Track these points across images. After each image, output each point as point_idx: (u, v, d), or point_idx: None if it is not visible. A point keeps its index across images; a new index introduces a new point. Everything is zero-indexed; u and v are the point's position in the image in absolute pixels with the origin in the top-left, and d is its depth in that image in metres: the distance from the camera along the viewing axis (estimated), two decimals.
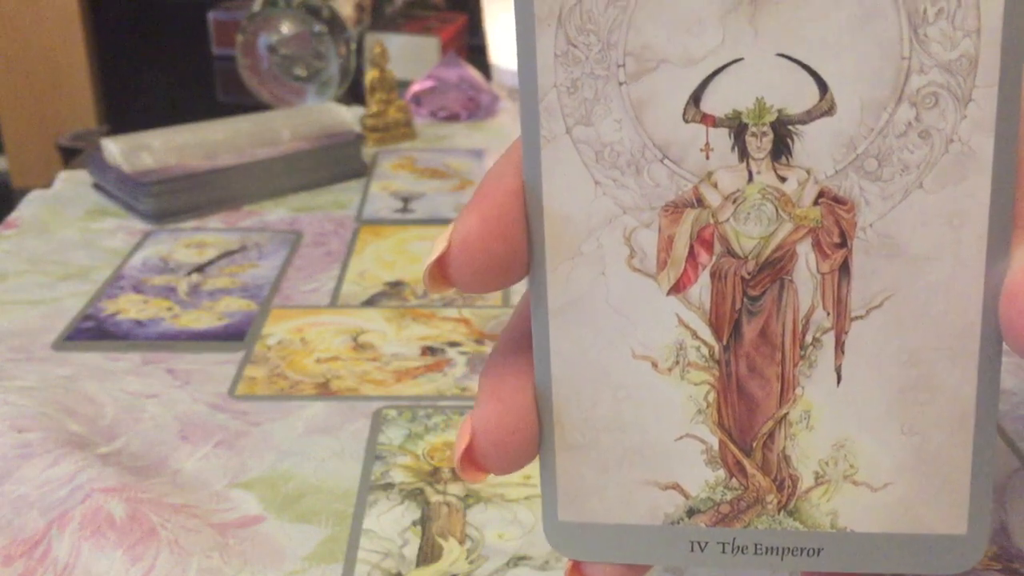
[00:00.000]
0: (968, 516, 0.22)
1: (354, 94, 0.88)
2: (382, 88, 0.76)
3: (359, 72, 0.88)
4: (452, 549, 0.33)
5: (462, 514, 0.35)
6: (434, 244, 0.22)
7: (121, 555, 0.32)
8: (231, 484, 0.36)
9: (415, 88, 0.83)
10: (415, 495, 0.36)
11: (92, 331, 0.47)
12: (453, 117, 0.82)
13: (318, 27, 0.86)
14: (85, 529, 0.33)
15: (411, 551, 0.33)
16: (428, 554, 0.33)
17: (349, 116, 0.71)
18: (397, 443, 0.38)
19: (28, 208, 0.63)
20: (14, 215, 0.62)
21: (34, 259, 0.56)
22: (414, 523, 0.34)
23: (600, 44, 0.20)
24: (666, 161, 0.21)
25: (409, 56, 0.95)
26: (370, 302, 0.51)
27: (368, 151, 0.73)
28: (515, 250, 0.21)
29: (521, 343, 0.23)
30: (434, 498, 0.35)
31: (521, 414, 0.22)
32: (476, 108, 0.83)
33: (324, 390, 0.42)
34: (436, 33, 0.98)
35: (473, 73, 0.84)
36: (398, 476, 0.37)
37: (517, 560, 0.32)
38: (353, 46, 0.88)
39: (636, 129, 0.20)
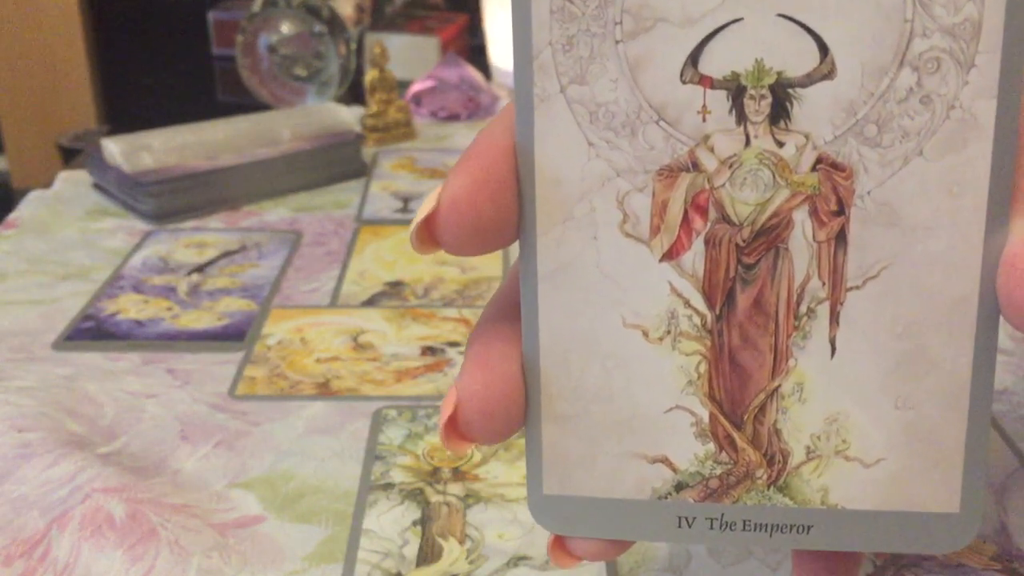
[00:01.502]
0: (961, 495, 0.22)
1: (354, 94, 0.88)
2: (382, 88, 0.76)
3: (359, 72, 0.88)
4: (452, 549, 0.33)
5: (462, 514, 0.35)
6: (422, 204, 0.21)
7: (121, 555, 0.32)
8: (231, 484, 0.36)
9: (415, 88, 0.83)
10: (415, 495, 0.36)
11: (92, 331, 0.47)
12: (453, 117, 0.82)
13: (318, 27, 0.86)
14: (85, 529, 0.33)
15: (411, 551, 0.33)
16: (428, 554, 0.33)
17: (349, 116, 0.71)
18: (397, 443, 0.38)
19: (28, 208, 0.63)
20: (14, 215, 0.62)
21: (34, 259, 0.56)
22: (414, 523, 0.34)
23: (597, 0, 0.20)
24: (662, 123, 0.20)
25: (409, 56, 0.95)
26: (370, 302, 0.50)
27: (368, 151, 0.73)
28: (505, 212, 0.21)
29: (510, 309, 0.22)
30: (434, 498, 0.35)
31: (507, 382, 0.22)
32: (476, 108, 0.83)
33: (324, 390, 0.42)
34: (436, 33, 0.98)
35: (473, 73, 0.84)
36: (398, 476, 0.37)
37: (517, 560, 0.32)
38: (353, 46, 0.88)
39: (632, 89, 0.20)
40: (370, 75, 0.77)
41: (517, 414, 0.22)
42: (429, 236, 0.21)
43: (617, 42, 0.20)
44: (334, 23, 0.86)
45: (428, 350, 0.46)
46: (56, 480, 0.35)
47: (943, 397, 0.21)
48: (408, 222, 0.61)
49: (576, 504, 0.23)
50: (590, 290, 0.21)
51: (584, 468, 0.22)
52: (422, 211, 0.21)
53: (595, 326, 0.21)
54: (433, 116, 0.83)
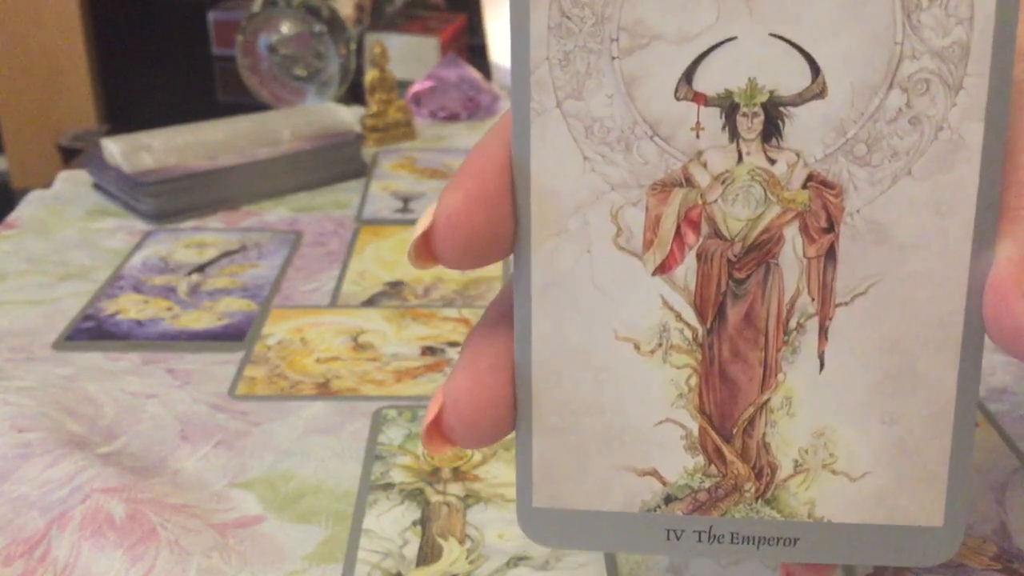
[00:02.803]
0: (944, 509, 0.22)
1: (354, 94, 0.88)
2: (382, 88, 0.76)
3: (359, 72, 0.88)
4: (452, 549, 0.33)
5: (462, 514, 0.35)
6: (419, 219, 0.21)
7: (121, 555, 0.32)
8: (231, 484, 0.36)
9: (415, 88, 0.83)
10: (415, 495, 0.36)
11: (92, 331, 0.47)
12: (453, 117, 0.82)
13: (318, 27, 0.86)
14: (85, 529, 0.33)
15: (411, 551, 0.33)
16: (428, 554, 0.33)
17: (349, 116, 0.71)
18: (397, 443, 0.38)
19: (28, 208, 0.63)
20: (14, 215, 0.62)
21: (34, 259, 0.56)
22: (414, 523, 0.34)
23: (594, 17, 0.20)
24: (656, 139, 0.20)
25: (409, 56, 0.95)
26: (370, 302, 0.51)
27: (368, 151, 0.73)
28: (501, 226, 0.21)
29: (506, 318, 0.22)
30: (434, 498, 0.35)
31: (495, 392, 0.22)
32: (476, 108, 0.83)
33: (324, 390, 0.42)
34: (436, 33, 0.98)
35: (473, 73, 0.84)
36: (398, 476, 0.37)
37: (517, 560, 0.32)
38: (353, 46, 0.88)
39: (627, 105, 0.20)
40: (370, 75, 0.77)
41: (502, 423, 0.22)
42: (427, 251, 0.21)
43: (613, 58, 0.20)
44: (334, 23, 0.86)
45: (428, 350, 0.46)
46: (56, 480, 0.35)
47: (929, 413, 0.21)
48: (408, 222, 0.61)
49: (565, 517, 0.23)
50: (583, 303, 0.21)
51: (574, 481, 0.23)
52: (419, 227, 0.21)
53: (587, 339, 0.22)
54: (433, 116, 0.83)
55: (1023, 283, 0.20)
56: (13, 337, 0.47)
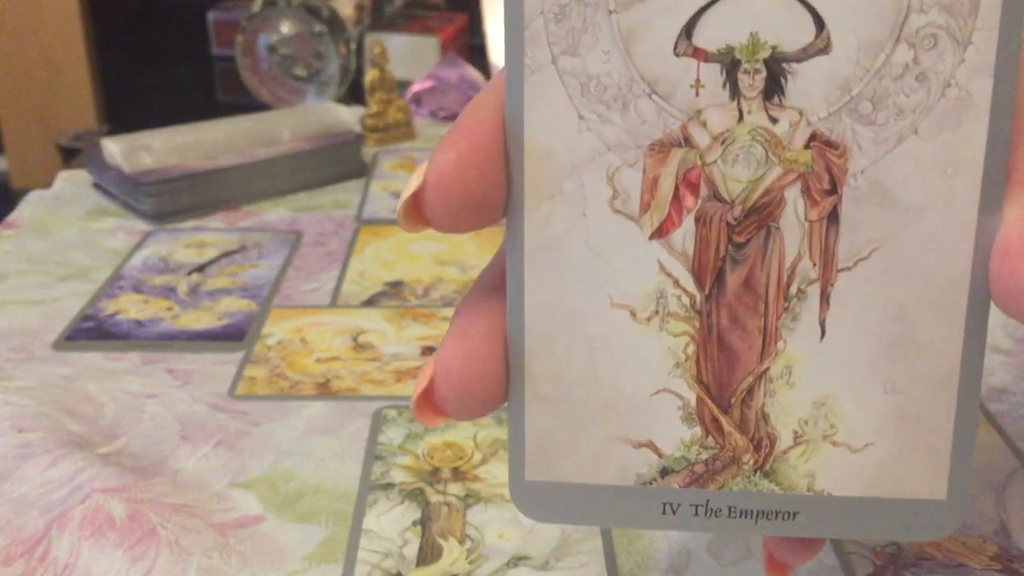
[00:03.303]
0: (948, 482, 0.21)
1: (354, 94, 0.88)
2: (382, 88, 0.76)
3: (359, 72, 0.88)
4: (452, 549, 0.33)
5: (462, 514, 0.35)
6: (410, 179, 0.21)
7: (121, 555, 0.32)
8: (231, 484, 0.36)
9: (415, 88, 0.83)
10: (415, 495, 0.36)
11: (92, 331, 0.47)
12: (453, 117, 0.82)
13: (318, 27, 0.86)
14: (85, 529, 0.33)
15: (411, 551, 0.33)
16: (428, 554, 0.33)
17: (349, 116, 0.71)
18: (397, 443, 0.38)
19: (28, 208, 0.63)
20: (14, 215, 0.62)
21: (34, 259, 0.56)
22: (414, 523, 0.34)
23: None
24: (654, 96, 0.20)
25: (409, 56, 0.95)
26: (370, 302, 0.51)
27: (368, 151, 0.73)
28: (493, 186, 0.20)
29: (498, 285, 0.22)
30: (434, 498, 0.35)
31: (487, 361, 0.21)
32: None
33: (324, 390, 0.42)
34: (436, 33, 0.98)
35: (473, 73, 0.84)
36: (398, 476, 0.37)
37: (517, 560, 0.32)
38: (353, 46, 0.88)
39: (624, 61, 0.20)
40: (370, 75, 0.77)
41: (494, 394, 0.22)
42: (416, 213, 0.21)
43: (610, 12, 0.19)
44: (334, 23, 0.86)
45: (428, 350, 0.46)
46: (56, 480, 0.35)
47: (932, 382, 0.21)
48: None
49: (559, 490, 0.22)
50: (577, 268, 0.21)
51: (567, 453, 0.22)
52: (409, 187, 0.20)
53: (582, 305, 0.21)
54: (433, 116, 0.83)
55: None
56: (13, 337, 0.47)
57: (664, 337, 0.21)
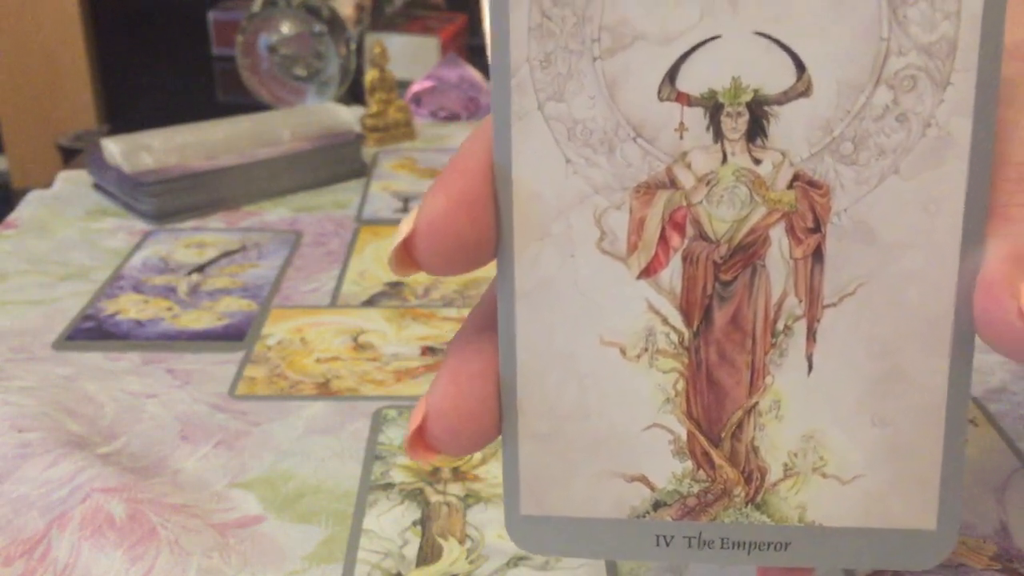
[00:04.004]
0: (938, 511, 0.22)
1: (354, 94, 0.88)
2: (382, 88, 0.76)
3: (359, 72, 0.88)
4: (452, 549, 0.33)
5: (462, 514, 0.35)
6: (400, 225, 0.21)
7: (121, 555, 0.32)
8: (231, 484, 0.36)
9: (415, 88, 0.83)
10: (415, 495, 0.36)
11: (92, 331, 0.47)
12: (453, 117, 0.82)
13: (318, 27, 0.86)
14: (85, 529, 0.33)
15: (411, 551, 0.33)
16: (428, 554, 0.33)
17: (349, 116, 0.71)
18: (397, 443, 0.38)
19: (28, 208, 0.63)
20: (14, 215, 0.62)
21: (34, 259, 0.56)
22: (414, 523, 0.34)
23: (575, 17, 0.20)
24: (639, 140, 0.20)
25: (409, 56, 0.95)
26: (370, 302, 0.51)
27: (368, 151, 0.73)
28: (483, 231, 0.21)
29: (488, 324, 0.22)
30: (434, 498, 0.35)
31: (479, 401, 0.22)
32: (476, 108, 0.83)
33: (324, 390, 0.42)
34: (436, 33, 0.98)
35: (473, 73, 0.84)
36: (398, 476, 0.37)
37: (517, 560, 0.32)
38: (353, 46, 0.88)
39: (610, 106, 0.20)
40: (370, 75, 0.77)
41: (486, 432, 0.22)
42: (408, 258, 0.21)
43: (595, 59, 0.20)
44: (334, 23, 0.86)
45: (428, 350, 0.46)
46: (56, 480, 0.35)
47: (919, 414, 0.21)
48: None
49: (554, 524, 0.23)
50: (567, 308, 0.21)
51: (561, 488, 0.22)
52: (399, 234, 0.21)
53: (572, 344, 0.21)
54: (433, 116, 0.83)
55: (1014, 282, 0.19)
56: (13, 337, 0.47)
57: (654, 374, 0.22)
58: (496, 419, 0.22)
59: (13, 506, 0.34)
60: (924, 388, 0.21)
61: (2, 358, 0.45)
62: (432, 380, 0.22)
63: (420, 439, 0.22)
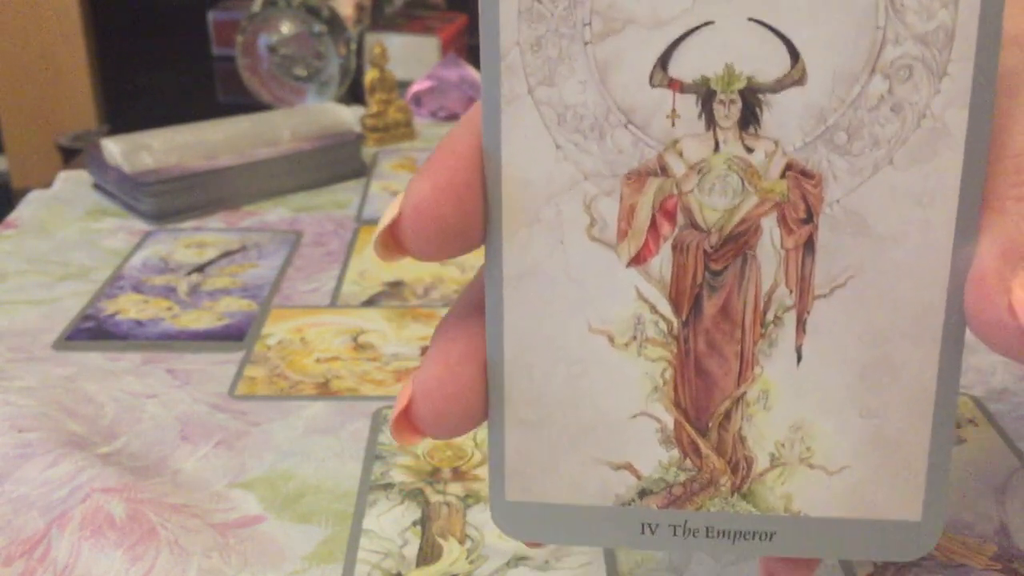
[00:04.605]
0: (923, 503, 0.22)
1: (354, 94, 0.88)
2: (382, 88, 0.76)
3: (359, 72, 0.88)
4: (452, 549, 0.33)
5: (462, 514, 0.35)
6: (386, 210, 0.21)
7: (121, 555, 0.32)
8: (231, 484, 0.36)
9: (415, 88, 0.83)
10: (415, 495, 0.36)
11: (92, 331, 0.47)
12: (453, 117, 0.82)
13: (318, 27, 0.86)
14: (85, 529, 0.33)
15: (411, 551, 0.33)
16: (428, 554, 0.33)
17: (349, 116, 0.71)
18: (397, 443, 0.38)
19: (28, 208, 0.63)
20: (14, 215, 0.62)
21: (34, 259, 0.56)
22: (414, 523, 0.34)
23: (566, 1, 0.19)
24: (630, 126, 0.20)
25: (409, 56, 0.95)
26: (370, 302, 0.51)
27: (368, 151, 0.73)
28: (470, 216, 0.20)
29: (477, 307, 0.22)
30: (434, 498, 0.35)
31: (465, 383, 0.21)
32: None
33: (324, 390, 0.42)
34: (436, 33, 0.98)
35: (473, 73, 0.84)
36: (398, 476, 0.37)
37: (517, 560, 0.32)
38: (353, 46, 0.88)
39: (600, 92, 0.20)
40: (370, 75, 0.77)
41: (472, 414, 0.22)
42: (394, 243, 0.21)
43: (586, 43, 0.20)
44: (334, 23, 0.86)
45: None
46: (56, 480, 0.35)
47: (908, 407, 0.21)
48: None
49: (539, 510, 0.23)
50: (556, 294, 0.21)
51: (547, 474, 0.22)
52: (385, 218, 0.21)
53: (560, 331, 0.21)
54: (433, 116, 0.83)
55: (1006, 277, 0.19)
56: (13, 337, 0.47)
57: (642, 362, 0.21)
58: (483, 402, 0.22)
59: (13, 506, 0.34)
60: (913, 381, 0.21)
61: (2, 358, 0.45)
62: (420, 361, 0.22)
63: (406, 420, 0.22)
